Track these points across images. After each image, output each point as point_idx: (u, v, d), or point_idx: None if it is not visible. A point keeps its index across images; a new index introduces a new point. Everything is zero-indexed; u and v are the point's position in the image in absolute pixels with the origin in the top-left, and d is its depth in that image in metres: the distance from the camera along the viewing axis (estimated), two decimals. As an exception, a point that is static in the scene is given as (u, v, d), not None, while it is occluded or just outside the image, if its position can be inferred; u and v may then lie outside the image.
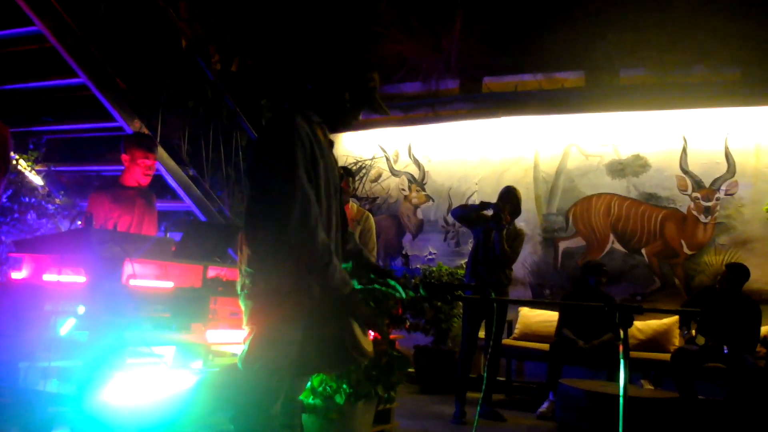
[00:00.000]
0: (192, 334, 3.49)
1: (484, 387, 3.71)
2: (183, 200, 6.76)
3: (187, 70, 6.87)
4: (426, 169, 8.66)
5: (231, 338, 3.55)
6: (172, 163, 6.54)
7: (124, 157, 4.59)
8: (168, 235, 4.51)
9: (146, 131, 6.24)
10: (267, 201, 2.46)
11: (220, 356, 3.48)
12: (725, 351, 5.89)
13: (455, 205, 7.88)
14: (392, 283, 2.69)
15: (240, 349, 2.57)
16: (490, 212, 5.78)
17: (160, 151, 6.36)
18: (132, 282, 3.38)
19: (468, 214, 5.93)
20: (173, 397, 3.18)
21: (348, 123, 2.78)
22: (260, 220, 2.52)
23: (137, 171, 4.59)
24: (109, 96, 6.09)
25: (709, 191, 7.30)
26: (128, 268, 3.34)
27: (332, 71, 2.70)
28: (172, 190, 6.77)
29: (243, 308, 2.56)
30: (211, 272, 3.92)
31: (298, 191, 2.40)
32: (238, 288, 2.58)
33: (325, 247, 2.45)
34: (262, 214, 2.50)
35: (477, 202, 6.15)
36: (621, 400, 2.19)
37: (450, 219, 8.28)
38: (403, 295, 2.70)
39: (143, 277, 3.63)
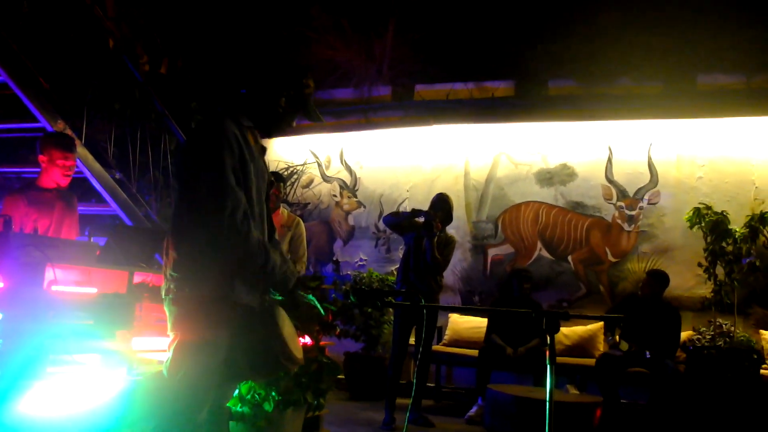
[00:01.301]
0: (116, 342, 3.39)
1: (413, 393, 3.73)
2: (108, 204, 6.58)
3: (114, 70, 6.70)
4: (358, 176, 8.66)
5: (157, 345, 3.46)
6: (97, 166, 6.36)
7: (41, 157, 4.40)
8: (92, 239, 4.36)
9: (70, 132, 6.06)
10: (195, 204, 2.42)
11: (146, 364, 3.40)
12: (647, 356, 6.06)
13: (387, 211, 7.90)
14: (310, 298, 2.67)
15: (165, 356, 2.52)
16: (421, 219, 5.80)
17: (85, 153, 6.20)
18: (53, 288, 3.27)
19: (399, 222, 5.94)
20: (97, 407, 3.08)
21: (282, 129, 2.76)
22: (188, 223, 2.47)
23: (56, 172, 4.42)
24: (32, 95, 5.89)
25: (632, 200, 7.51)
26: (49, 273, 3.23)
27: (268, 76, 2.67)
28: (97, 194, 6.59)
29: (167, 314, 2.51)
30: (137, 278, 3.83)
31: (227, 194, 2.37)
32: (163, 293, 2.52)
33: (261, 246, 2.42)
34: (191, 218, 2.45)
35: (408, 209, 6.17)
36: (547, 404, 2.22)
37: (381, 225, 8.29)
38: (321, 312, 2.70)
39: (65, 283, 3.51)
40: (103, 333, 3.39)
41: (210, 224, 2.37)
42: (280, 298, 2.63)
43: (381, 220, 7.97)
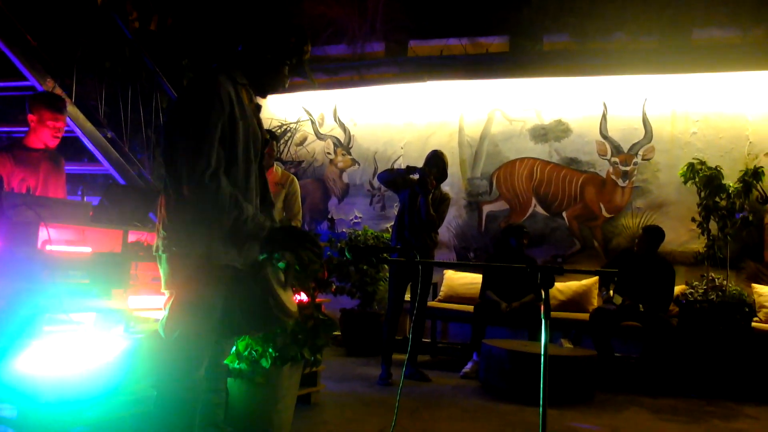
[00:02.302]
0: (112, 301, 3.40)
1: (409, 348, 3.76)
2: (101, 163, 6.55)
3: (103, 28, 6.60)
4: (352, 133, 8.62)
5: (153, 304, 3.48)
6: (88, 125, 6.31)
7: (31, 117, 4.33)
8: (85, 199, 4.33)
9: (60, 91, 6.00)
10: (177, 162, 2.41)
11: (142, 322, 3.41)
12: (641, 310, 6.11)
13: (381, 169, 7.89)
14: (280, 265, 2.68)
15: (161, 314, 2.53)
16: (416, 176, 5.79)
17: (76, 113, 6.14)
18: (48, 248, 3.27)
19: (394, 179, 5.92)
20: (95, 366, 3.10)
21: (277, 87, 2.74)
22: (171, 182, 2.46)
23: (45, 132, 4.36)
24: (19, 53, 5.82)
25: (627, 156, 7.50)
26: (43, 233, 3.23)
27: (266, 35, 2.64)
28: (89, 153, 6.55)
29: (161, 272, 2.52)
30: (132, 237, 3.83)
31: (203, 152, 2.36)
32: (154, 250, 2.53)
33: (233, 198, 2.42)
34: (173, 177, 2.45)
35: (403, 167, 6.13)
36: (542, 358, 2.23)
37: (376, 183, 8.29)
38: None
39: (59, 242, 3.51)
40: (98, 292, 3.40)
41: (187, 184, 2.37)
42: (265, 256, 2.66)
43: (376, 178, 7.95)
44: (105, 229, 3.75)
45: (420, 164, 5.93)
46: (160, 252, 2.50)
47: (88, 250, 3.65)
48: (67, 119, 5.24)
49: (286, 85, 2.77)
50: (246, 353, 3.46)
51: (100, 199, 3.97)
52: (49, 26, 6.23)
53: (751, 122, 7.18)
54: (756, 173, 6.53)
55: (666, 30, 7.49)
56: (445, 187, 6.19)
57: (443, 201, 5.99)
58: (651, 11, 7.46)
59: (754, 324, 6.23)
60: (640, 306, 6.12)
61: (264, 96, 2.81)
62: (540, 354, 2.26)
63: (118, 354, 3.20)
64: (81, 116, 6.21)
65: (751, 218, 6.63)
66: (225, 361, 3.06)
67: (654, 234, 6.40)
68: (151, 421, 2.53)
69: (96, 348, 3.13)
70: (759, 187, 6.71)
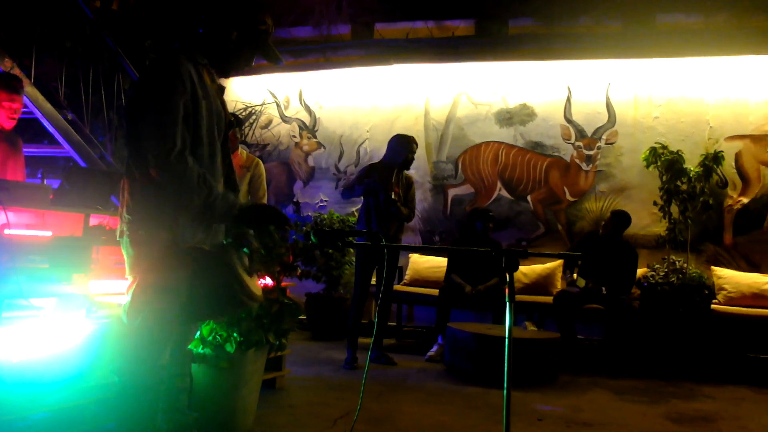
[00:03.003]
0: (73, 285, 3.35)
1: (375, 332, 3.78)
2: (61, 145, 6.43)
3: (63, 6, 6.46)
4: (317, 116, 8.57)
5: (115, 288, 3.43)
6: (48, 106, 6.19)
7: None
8: (45, 181, 4.26)
9: (18, 72, 5.86)
10: (141, 144, 2.37)
11: (104, 307, 3.37)
12: (603, 292, 6.19)
13: (347, 152, 7.92)
14: (245, 251, 2.67)
15: (124, 299, 2.49)
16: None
17: (35, 94, 6.02)
18: (6, 231, 3.20)
19: (356, 196, 5.85)
20: (56, 351, 3.06)
21: (239, 67, 2.71)
22: (136, 164, 2.43)
23: (1, 114, 4.27)
24: (-25, 33, 5.68)
25: (590, 140, 7.57)
26: (1, 216, 3.16)
27: (224, 14, 2.60)
28: (50, 135, 6.42)
29: (125, 257, 2.49)
30: (94, 220, 3.77)
31: (168, 134, 2.33)
32: (117, 235, 2.50)
33: (202, 180, 2.39)
34: (137, 159, 2.41)
35: (368, 150, 6.07)
36: (506, 341, 2.25)
37: (342, 166, 8.27)
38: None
39: (19, 226, 3.45)
40: (59, 276, 3.34)
41: (154, 165, 2.33)
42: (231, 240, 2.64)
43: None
44: (66, 213, 3.69)
45: (384, 148, 5.92)
46: (125, 237, 2.47)
47: (48, 234, 3.59)
48: (26, 100, 5.14)
49: (252, 65, 2.74)
50: (210, 338, 3.43)
51: (60, 182, 3.90)
52: (7, 4, 6.08)
53: (711, 107, 7.29)
54: (716, 158, 6.63)
55: (630, 14, 7.56)
56: (411, 170, 6.14)
57: (410, 186, 5.95)
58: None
59: (713, 306, 6.35)
60: (603, 289, 6.20)
61: (227, 76, 2.77)
62: (504, 337, 2.27)
63: (80, 340, 3.16)
64: (40, 97, 6.09)
65: (711, 202, 6.75)
66: (189, 346, 3.04)
67: (621, 218, 6.47)
68: (114, 407, 2.51)
69: (57, 334, 3.08)
70: (719, 171, 6.83)
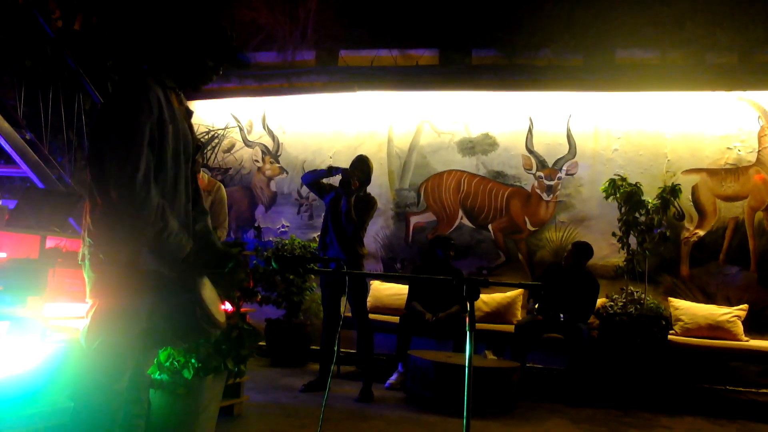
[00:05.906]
0: (28, 308, 3.28)
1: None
2: (18, 165, 6.32)
3: (24, 25, 6.39)
4: (280, 141, 8.56)
5: (71, 312, 3.37)
6: (5, 125, 6.09)
7: None
8: (1, 202, 4.18)
9: (-24, 90, 5.78)
10: (104, 167, 2.34)
11: (60, 331, 3.30)
12: (561, 318, 6.23)
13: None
14: (231, 265, 2.64)
15: (83, 323, 2.45)
16: (338, 175, 5.68)
17: (-7, 112, 5.93)
18: (-41, 252, 3.13)
19: (317, 179, 5.82)
20: (9, 375, 2.98)
21: (208, 81, 2.69)
22: (98, 188, 2.39)
23: None
24: (-69, 50, 5.59)
25: (551, 171, 7.67)
26: (-46, 237, 3.09)
27: (190, 35, 2.59)
28: (6, 154, 6.31)
29: (86, 280, 2.44)
30: (50, 242, 3.70)
31: (131, 158, 2.30)
32: (79, 258, 2.45)
33: (159, 211, 2.36)
34: (100, 183, 2.38)
35: (329, 187, 6.04)
36: (466, 370, 2.25)
37: (304, 192, 8.25)
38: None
39: (-28, 247, 3.37)
40: (13, 299, 3.27)
41: (115, 189, 2.30)
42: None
43: (301, 180, 7.85)
44: (21, 234, 3.62)
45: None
46: (87, 262, 2.42)
47: (2, 255, 3.52)
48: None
49: (214, 79, 2.72)
50: (168, 363, 3.38)
51: (16, 202, 3.83)
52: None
53: (668, 140, 7.44)
54: (673, 190, 6.75)
55: (590, 49, 7.71)
56: (374, 196, 6.10)
57: (368, 203, 5.81)
58: (576, 30, 7.67)
59: (670, 337, 6.43)
60: (561, 315, 6.23)
61: (196, 90, 2.74)
62: (464, 365, 2.27)
63: (34, 364, 3.08)
64: (-2, 116, 6.00)
65: (668, 233, 6.85)
66: (147, 371, 2.99)
67: (582, 249, 6.53)
68: (69, 434, 2.44)
69: (9, 357, 3.00)
70: (676, 204, 6.95)
